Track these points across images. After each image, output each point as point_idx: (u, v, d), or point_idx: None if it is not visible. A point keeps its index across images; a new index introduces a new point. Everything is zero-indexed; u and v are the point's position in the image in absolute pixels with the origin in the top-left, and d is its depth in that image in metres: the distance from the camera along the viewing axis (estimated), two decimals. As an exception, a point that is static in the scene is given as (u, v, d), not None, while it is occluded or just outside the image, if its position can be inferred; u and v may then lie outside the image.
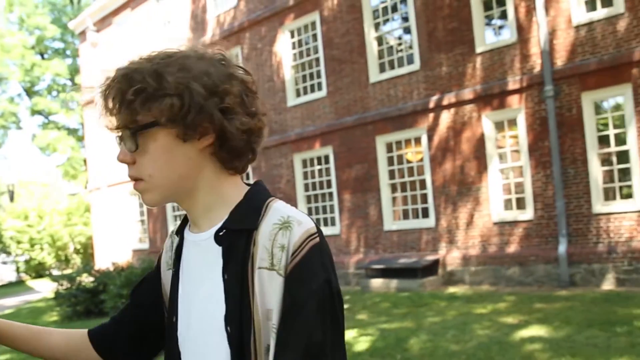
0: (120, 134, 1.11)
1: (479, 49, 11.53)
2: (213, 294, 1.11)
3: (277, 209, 1.12)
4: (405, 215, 12.95)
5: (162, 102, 1.05)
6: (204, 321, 1.12)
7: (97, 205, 22.37)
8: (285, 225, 1.08)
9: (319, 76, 14.58)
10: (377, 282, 12.00)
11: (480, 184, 11.50)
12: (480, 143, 11.49)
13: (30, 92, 34.84)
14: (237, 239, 1.11)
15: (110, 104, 1.08)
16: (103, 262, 20.01)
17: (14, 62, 32.76)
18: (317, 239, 1.08)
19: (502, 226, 11.25)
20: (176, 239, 1.25)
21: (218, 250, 1.11)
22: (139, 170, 1.11)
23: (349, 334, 7.87)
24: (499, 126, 11.43)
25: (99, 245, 22.25)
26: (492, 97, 11.31)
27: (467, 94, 11.60)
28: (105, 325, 1.36)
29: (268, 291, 1.07)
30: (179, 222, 1.26)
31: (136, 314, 1.33)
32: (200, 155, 1.11)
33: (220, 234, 1.12)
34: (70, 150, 33.23)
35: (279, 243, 1.07)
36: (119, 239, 21.12)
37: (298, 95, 15.06)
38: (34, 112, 34.21)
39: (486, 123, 11.43)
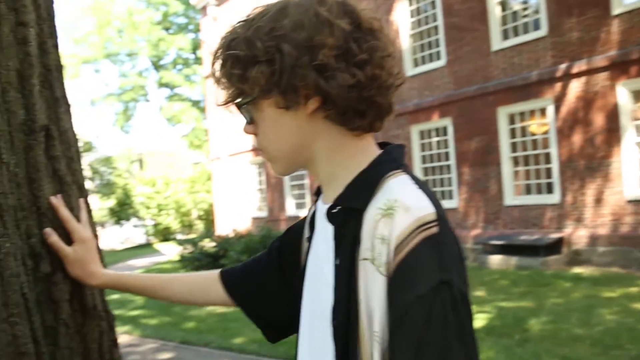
0: (239, 106, 1.05)
1: (615, 11, 10.57)
2: (327, 278, 0.99)
3: (389, 187, 0.94)
4: (528, 190, 12.30)
5: (253, 72, 0.95)
6: (317, 306, 1.03)
7: (218, 174, 23.22)
8: (389, 212, 0.89)
9: (437, 45, 14.08)
10: (495, 259, 11.53)
11: (611, 159, 10.65)
12: (613, 114, 10.61)
13: (157, 66, 36.61)
14: (348, 219, 0.96)
15: (216, 78, 1.04)
16: (223, 228, 20.79)
17: (143, 38, 34.52)
18: (434, 229, 0.87)
19: (637, 204, 10.38)
20: (313, 207, 1.15)
21: (330, 231, 1.00)
22: (259, 141, 1.06)
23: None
24: (636, 96, 10.47)
25: (220, 212, 23.13)
26: (630, 64, 10.37)
27: (600, 61, 10.71)
28: (237, 267, 1.36)
29: (371, 289, 0.89)
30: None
31: (268, 263, 1.29)
32: (311, 121, 0.99)
33: (334, 211, 1.00)
34: (194, 121, 34.68)
35: (380, 234, 0.89)
36: (238, 206, 21.84)
37: (416, 64, 14.65)
38: (161, 85, 35.93)
39: (621, 92, 10.52)
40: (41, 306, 1.35)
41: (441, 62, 13.86)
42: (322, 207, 1.05)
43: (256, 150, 20.78)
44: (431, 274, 0.85)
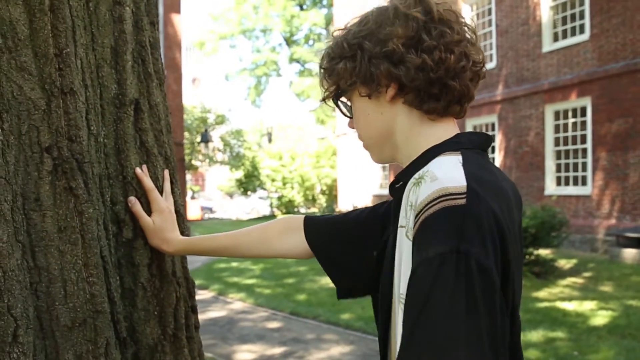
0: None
1: None
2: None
3: (433, 162, 1.00)
4: (673, 180, 11.29)
5: (341, 67, 1.11)
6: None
7: (343, 150, 23.45)
8: (418, 181, 0.96)
9: (582, 17, 13.15)
10: (629, 253, 10.73)
11: None
12: None
13: (289, 42, 37.41)
14: (402, 193, 1.04)
15: (322, 80, 1.18)
16: (345, 204, 21.03)
17: (277, 13, 35.37)
18: (459, 201, 0.88)
19: None
20: None
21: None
22: (358, 133, 1.19)
23: (586, 305, 7.18)
24: None
25: (342, 187, 23.41)
26: None
27: None
28: (322, 217, 1.41)
29: (403, 254, 0.96)
30: None
31: (355, 221, 1.34)
32: (392, 107, 1.10)
33: (397, 186, 1.10)
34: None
35: (410, 201, 0.96)
36: (361, 183, 21.97)
37: (555, 39, 13.80)
38: (292, 60, 36.72)
39: None
40: (121, 269, 1.44)
41: (584, 36, 12.92)
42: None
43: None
44: (446, 240, 0.86)
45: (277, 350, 5.92)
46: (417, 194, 0.93)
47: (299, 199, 27.91)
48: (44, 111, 1.29)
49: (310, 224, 1.39)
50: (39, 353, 1.20)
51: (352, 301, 7.87)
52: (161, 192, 1.54)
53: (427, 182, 0.93)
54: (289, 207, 28.05)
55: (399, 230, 1.00)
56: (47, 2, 1.30)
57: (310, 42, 37.13)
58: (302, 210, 27.59)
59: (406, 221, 0.96)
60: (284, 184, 27.64)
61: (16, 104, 1.26)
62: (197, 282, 10.05)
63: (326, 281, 9.51)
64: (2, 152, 1.19)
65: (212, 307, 8.14)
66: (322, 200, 28.13)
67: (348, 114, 1.19)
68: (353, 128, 1.20)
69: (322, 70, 1.17)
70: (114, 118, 1.51)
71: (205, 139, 20.31)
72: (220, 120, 27.37)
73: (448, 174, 0.93)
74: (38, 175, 1.27)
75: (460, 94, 1.07)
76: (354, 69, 1.09)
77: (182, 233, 1.55)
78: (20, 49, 1.28)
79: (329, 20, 34.35)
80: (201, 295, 9.08)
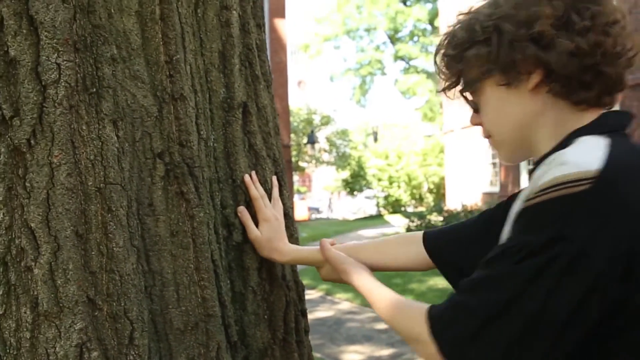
0: (458, 97, 1.10)
1: None
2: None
3: (571, 145, 0.89)
4: None
5: (471, 54, 0.99)
6: None
7: (451, 147, 22.99)
8: (541, 167, 0.86)
9: None
10: None
11: None
12: None
13: (393, 39, 37.17)
14: None
15: (439, 69, 1.09)
16: (453, 202, 20.60)
17: (381, 12, 35.27)
18: (581, 187, 0.78)
19: None
20: None
21: None
22: (485, 129, 1.07)
23: None
24: None
25: (451, 186, 22.94)
26: None
27: None
28: (441, 228, 1.37)
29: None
30: None
31: (474, 227, 1.27)
32: (534, 97, 0.97)
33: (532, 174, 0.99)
34: (429, 93, 34.68)
35: (537, 176, 0.85)
36: (470, 180, 21.43)
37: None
38: (397, 57, 36.47)
39: None
40: (232, 273, 1.45)
41: None
42: None
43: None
44: (552, 226, 0.79)
45: (385, 352, 5.87)
46: (533, 182, 0.85)
47: (405, 198, 27.68)
48: (156, 117, 1.32)
49: (429, 233, 1.35)
50: (153, 356, 1.22)
51: (462, 303, 7.69)
52: (270, 196, 1.53)
53: (552, 167, 0.83)
54: (395, 206, 27.88)
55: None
56: (157, 12, 1.32)
57: (415, 38, 36.71)
58: (409, 209, 27.30)
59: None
60: (391, 183, 27.50)
61: (130, 112, 1.29)
62: (304, 282, 10.14)
63: (434, 282, 9.34)
64: (118, 159, 1.22)
65: (320, 307, 8.20)
66: (429, 199, 27.75)
67: (475, 109, 1.08)
68: (478, 124, 1.08)
69: (445, 58, 1.06)
70: (223, 122, 1.53)
71: (312, 140, 20.62)
72: (326, 121, 27.68)
73: (580, 157, 0.82)
74: (151, 180, 1.30)
75: (614, 82, 0.95)
76: (489, 54, 0.97)
77: (292, 236, 1.54)
78: (134, 58, 1.31)
79: (433, 16, 33.79)
80: (309, 295, 9.19)
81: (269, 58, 1.78)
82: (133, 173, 1.27)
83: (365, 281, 1.25)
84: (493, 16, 0.97)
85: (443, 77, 1.08)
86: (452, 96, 1.10)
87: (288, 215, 1.58)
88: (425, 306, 0.97)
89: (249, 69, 1.62)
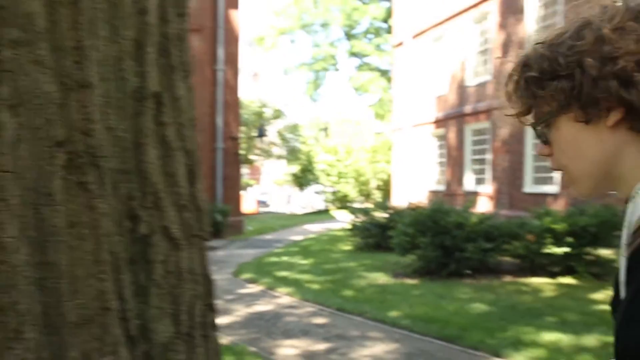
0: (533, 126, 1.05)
1: None
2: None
3: None
4: None
5: (551, 88, 0.96)
6: None
7: (399, 145, 23.22)
8: (636, 194, 0.90)
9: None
10: (698, 257, 10.20)
11: None
12: None
13: (348, 36, 37.28)
14: None
15: (511, 96, 1.05)
16: (400, 200, 20.84)
17: (337, 7, 35.31)
18: None
19: None
20: None
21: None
22: (556, 161, 1.03)
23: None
24: None
25: (397, 183, 23.19)
26: None
27: None
28: None
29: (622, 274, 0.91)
30: None
31: None
32: (614, 135, 0.94)
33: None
34: (381, 90, 34.94)
35: (627, 219, 0.89)
36: (416, 179, 21.70)
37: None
38: (351, 54, 36.60)
39: None
40: (135, 265, 1.42)
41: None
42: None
43: (438, 122, 20.39)
44: None
45: (321, 346, 5.88)
46: (632, 210, 0.87)
47: (353, 194, 27.83)
48: (60, 105, 1.28)
49: None
50: (43, 350, 1.18)
51: (399, 299, 7.77)
52: (181, 186, 1.50)
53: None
54: (343, 202, 28.02)
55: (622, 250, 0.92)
56: (66, -5, 1.28)
57: (370, 36, 36.90)
58: (358, 205, 27.53)
59: (623, 240, 0.89)
60: (339, 178, 27.60)
61: (31, 98, 1.24)
62: (246, 276, 10.16)
63: (374, 277, 9.42)
64: (14, 146, 1.17)
65: (260, 301, 8.18)
66: (378, 195, 27.99)
67: (545, 141, 1.04)
68: (547, 155, 1.04)
69: (520, 86, 1.02)
70: (134, 111, 1.49)
71: (261, 134, 20.48)
72: (277, 114, 27.58)
73: None
74: (51, 169, 1.26)
75: None
76: (571, 89, 0.94)
77: (203, 230, 1.52)
78: (38, 42, 1.27)
79: (389, 14, 34.05)
80: (250, 289, 9.15)
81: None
82: (32, 161, 1.23)
83: None
84: (576, 49, 0.94)
85: (512, 104, 1.05)
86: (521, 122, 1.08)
87: (200, 209, 1.56)
88: None
89: (165, 58, 1.59)
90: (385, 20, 35.17)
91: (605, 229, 8.97)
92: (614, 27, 0.92)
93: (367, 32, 36.98)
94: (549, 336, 5.79)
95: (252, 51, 50.25)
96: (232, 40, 18.78)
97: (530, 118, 1.04)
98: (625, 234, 0.88)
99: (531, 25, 16.02)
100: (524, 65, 1.01)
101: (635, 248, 0.83)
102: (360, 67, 37.14)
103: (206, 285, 1.62)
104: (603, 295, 7.73)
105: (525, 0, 16.08)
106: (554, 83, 0.95)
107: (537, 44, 1.01)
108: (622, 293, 0.88)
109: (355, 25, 36.37)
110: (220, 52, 18.07)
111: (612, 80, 0.90)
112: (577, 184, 1.02)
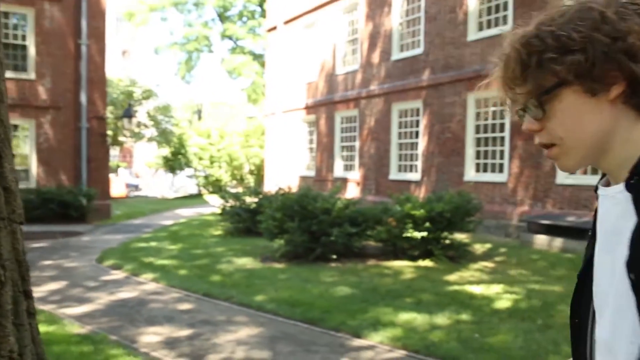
0: (523, 103, 1.09)
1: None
2: (620, 242, 1.01)
3: None
4: (584, 170, 11.73)
5: (566, 61, 1.01)
6: (609, 267, 1.04)
7: (271, 130, 23.27)
8: None
9: (505, 8, 13.41)
10: (539, 239, 11.12)
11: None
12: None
13: (222, 18, 36.65)
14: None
15: (511, 74, 1.07)
16: (273, 184, 20.92)
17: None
18: None
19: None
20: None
21: (629, 200, 1.03)
22: (549, 135, 1.08)
23: (493, 289, 7.38)
24: None
25: (270, 168, 23.26)
26: None
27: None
28: None
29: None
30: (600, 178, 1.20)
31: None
32: (611, 108, 1.03)
33: (632, 181, 1.03)
34: (255, 75, 34.73)
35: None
36: (288, 164, 21.89)
37: (480, 29, 14.03)
38: (224, 36, 36.02)
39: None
40: None
41: (507, 27, 13.18)
42: (607, 190, 1.09)
43: (309, 109, 20.60)
44: None
45: (185, 332, 5.78)
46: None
47: (226, 178, 27.56)
48: None
49: None
50: None
51: (266, 283, 7.81)
52: None
53: None
54: (216, 186, 27.67)
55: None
56: None
57: (244, 19, 36.50)
58: (229, 189, 27.29)
59: None
60: (212, 162, 27.20)
61: None
62: (110, 262, 9.76)
63: (242, 262, 9.39)
64: None
65: (124, 288, 7.89)
66: (250, 180, 27.90)
67: (539, 115, 1.07)
68: (533, 130, 1.09)
69: (535, 62, 1.05)
70: None
71: (129, 114, 19.61)
72: (147, 95, 26.56)
73: None
74: None
75: None
76: (583, 62, 1.00)
77: (14, 212, 1.39)
78: None
79: (263, -2, 33.88)
80: (114, 275, 8.80)
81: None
82: None
83: None
84: (586, 26, 1.01)
85: (510, 72, 1.08)
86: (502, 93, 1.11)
87: (9, 189, 1.42)
88: None
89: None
90: (260, 4, 34.93)
91: (458, 215, 9.52)
92: (614, 11, 1.01)
93: (241, 14, 36.54)
94: (406, 316, 6.08)
95: (121, 27, 48.06)
96: (97, 13, 17.82)
97: (515, 97, 1.08)
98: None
99: (396, 19, 16.60)
100: (531, 43, 1.05)
101: None
102: (233, 50, 36.68)
103: (20, 271, 1.49)
104: (456, 277, 8.23)
105: (393, -7, 16.61)
106: (569, 57, 1.01)
107: (538, 24, 1.08)
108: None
109: (229, 7, 35.82)
110: (84, 25, 17.10)
111: (622, 55, 0.99)
112: (568, 156, 1.08)
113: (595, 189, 1.15)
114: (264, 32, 29.44)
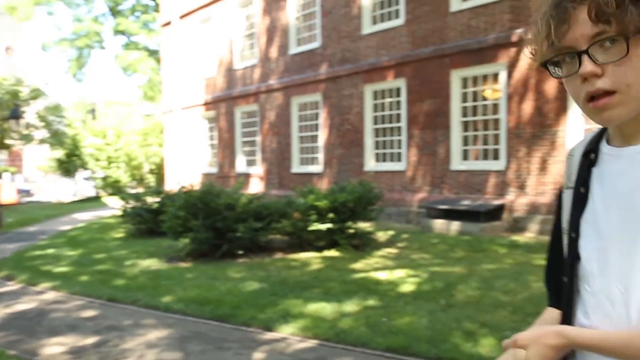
0: (611, 35, 1.05)
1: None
2: None
3: None
4: (475, 156, 12.37)
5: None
6: (636, 241, 1.07)
7: (170, 127, 22.79)
8: None
9: (397, 3, 13.83)
10: (438, 223, 11.64)
11: (558, 127, 10.74)
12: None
13: (114, 12, 35.36)
14: None
15: (604, 7, 1.03)
16: (174, 183, 20.53)
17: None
18: None
19: (578, 174, 10.51)
20: (578, 156, 1.27)
21: None
22: (615, 80, 1.05)
23: (397, 274, 7.67)
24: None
25: (171, 167, 22.80)
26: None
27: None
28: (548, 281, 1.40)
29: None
30: (586, 140, 1.27)
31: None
32: None
33: None
34: (151, 71, 33.81)
35: None
36: (189, 162, 21.55)
37: (374, 22, 14.40)
38: (117, 32, 34.79)
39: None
40: None
41: (399, 21, 13.62)
42: (621, 150, 1.15)
43: (208, 105, 20.34)
44: None
45: (90, 340, 5.61)
46: None
47: (125, 178, 26.71)
48: None
49: (551, 301, 1.36)
50: None
51: (173, 283, 7.70)
52: None
53: None
54: (115, 187, 26.75)
55: None
56: None
57: (137, 13, 35.38)
58: (129, 190, 26.48)
59: None
60: (109, 163, 26.26)
61: None
62: (4, 273, 9.25)
63: (147, 264, 9.21)
64: None
65: (21, 299, 7.51)
66: (151, 179, 27.18)
67: (623, 53, 1.04)
68: (595, 74, 1.06)
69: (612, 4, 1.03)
70: None
71: (16, 115, 18.54)
72: (36, 94, 25.23)
73: None
74: None
75: None
76: None
77: None
78: None
79: (156, -8, 32.98)
80: (8, 287, 8.36)
81: None
82: None
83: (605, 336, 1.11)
84: None
85: (609, 8, 1.03)
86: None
87: None
88: None
89: None
90: (153, -1, 34.03)
91: (361, 204, 9.79)
92: None
93: (134, 9, 35.40)
94: (315, 306, 6.20)
95: (3, 22, 45.24)
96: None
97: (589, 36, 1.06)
98: None
99: (293, 13, 16.72)
100: None
101: None
102: (127, 46, 35.49)
103: None
104: (362, 265, 8.47)
105: (288, -12, 16.70)
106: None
107: None
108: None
109: (121, 1, 34.60)
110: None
111: None
112: (624, 106, 1.07)
113: (589, 151, 1.22)
114: (158, 27, 28.68)
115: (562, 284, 1.25)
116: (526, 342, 1.13)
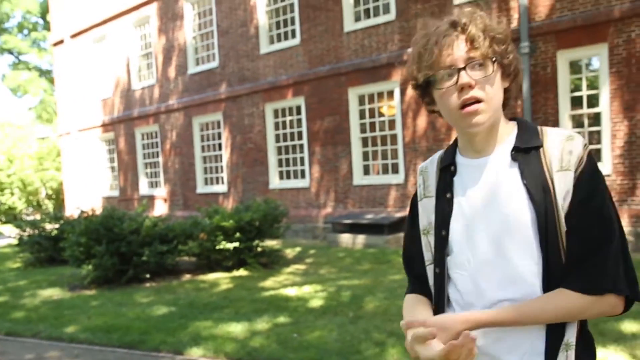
0: (480, 60, 1.40)
1: (456, 0, 11.21)
2: (509, 202, 1.41)
3: (553, 130, 1.45)
4: (376, 170, 12.83)
5: (505, 45, 1.44)
6: (500, 227, 1.41)
7: (68, 150, 21.94)
8: (570, 137, 1.41)
9: (293, 23, 14.15)
10: (344, 238, 11.96)
11: (449, 141, 11.33)
12: (452, 99, 11.26)
13: (0, 29, 33.66)
14: (527, 155, 1.43)
15: (479, 35, 1.40)
16: (74, 208, 19.77)
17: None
18: (588, 147, 1.41)
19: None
20: (433, 170, 1.61)
21: (506, 166, 1.45)
22: (484, 92, 1.40)
23: (306, 290, 7.85)
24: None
25: (70, 191, 21.94)
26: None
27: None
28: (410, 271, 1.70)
29: (563, 189, 1.37)
30: (437, 156, 1.63)
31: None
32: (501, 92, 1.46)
33: (513, 152, 1.45)
34: (43, 92, 32.40)
35: (567, 149, 1.39)
36: (90, 185, 20.83)
37: (272, 42, 14.65)
38: (3, 50, 33.13)
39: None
40: None
41: (296, 41, 13.94)
42: (477, 161, 1.50)
43: (106, 126, 19.81)
44: (600, 171, 1.41)
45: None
46: (572, 145, 1.40)
47: (21, 205, 25.36)
48: None
49: (414, 286, 1.65)
50: None
51: (77, 312, 7.48)
52: None
53: (577, 137, 1.40)
54: (9, 215, 25.33)
55: (557, 174, 1.38)
56: None
57: (25, 31, 33.86)
58: (26, 217, 25.15)
59: (564, 164, 1.38)
60: (2, 189, 24.86)
61: None
62: None
63: (49, 294, 8.86)
64: None
65: None
66: (49, 205, 25.95)
67: (488, 72, 1.41)
68: (470, 85, 1.39)
69: (491, 34, 1.42)
70: None
71: None
72: None
73: (576, 134, 1.43)
74: None
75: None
76: (505, 52, 1.44)
77: None
78: None
79: (45, 8, 31.71)
80: None
81: None
82: None
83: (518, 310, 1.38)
84: (499, 25, 1.46)
85: (480, 39, 1.40)
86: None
87: None
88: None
89: None
90: (42, 16, 32.71)
91: (267, 222, 9.91)
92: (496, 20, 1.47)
93: (21, 26, 33.86)
94: (225, 327, 6.24)
95: None
96: None
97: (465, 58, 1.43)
98: (564, 159, 1.40)
99: (190, 32, 16.68)
100: (485, 20, 1.46)
101: (585, 165, 1.39)
102: (15, 65, 33.88)
103: None
104: (271, 282, 8.58)
105: (183, 8, 16.66)
106: (504, 43, 1.47)
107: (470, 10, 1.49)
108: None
109: (6, 18, 32.99)
110: None
111: (516, 56, 1.49)
112: (486, 114, 1.42)
113: (449, 164, 1.55)
114: (49, 46, 27.60)
115: (423, 274, 1.57)
116: (436, 328, 1.34)
